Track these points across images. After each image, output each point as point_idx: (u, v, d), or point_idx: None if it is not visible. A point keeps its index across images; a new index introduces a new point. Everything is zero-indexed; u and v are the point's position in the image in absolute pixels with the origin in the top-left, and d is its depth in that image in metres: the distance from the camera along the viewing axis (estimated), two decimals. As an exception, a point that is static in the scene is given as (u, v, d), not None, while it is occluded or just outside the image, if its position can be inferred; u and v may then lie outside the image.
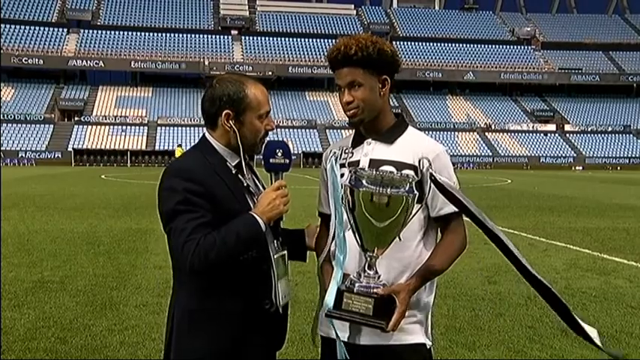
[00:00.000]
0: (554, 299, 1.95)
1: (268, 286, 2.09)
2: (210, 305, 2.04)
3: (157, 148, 59.17)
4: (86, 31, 69.65)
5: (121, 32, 69.92)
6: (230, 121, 2.06)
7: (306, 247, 2.31)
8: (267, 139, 2.14)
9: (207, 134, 2.14)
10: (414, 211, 1.93)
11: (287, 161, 2.10)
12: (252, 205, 2.07)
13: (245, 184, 2.11)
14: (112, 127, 61.28)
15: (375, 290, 1.93)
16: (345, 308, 1.93)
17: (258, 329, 2.08)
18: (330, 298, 1.94)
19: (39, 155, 56.14)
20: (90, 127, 61.10)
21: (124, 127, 61.26)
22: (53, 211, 14.04)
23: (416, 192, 1.89)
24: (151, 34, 70.80)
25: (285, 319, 2.20)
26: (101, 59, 66.47)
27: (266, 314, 2.09)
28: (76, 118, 62.43)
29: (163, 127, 62.11)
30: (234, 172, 2.10)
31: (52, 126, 60.82)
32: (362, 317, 1.92)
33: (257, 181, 2.20)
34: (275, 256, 2.10)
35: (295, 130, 62.18)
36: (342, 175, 2.05)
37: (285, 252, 2.17)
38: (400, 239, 1.97)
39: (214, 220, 1.97)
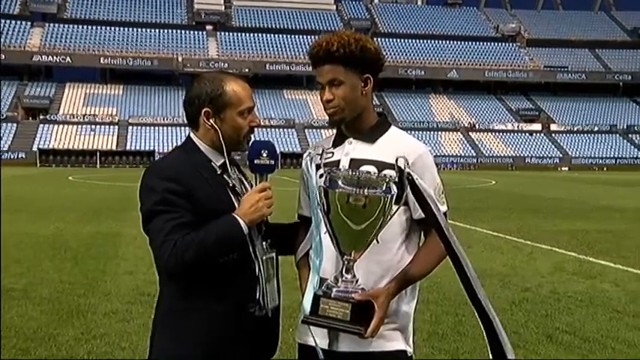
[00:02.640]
0: (493, 334, 1.90)
1: (253, 289, 2.06)
2: (191, 306, 2.00)
3: (128, 148, 59.41)
4: (52, 24, 69.30)
5: (89, 26, 69.30)
6: (210, 120, 2.05)
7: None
8: (253, 138, 2.11)
9: (191, 134, 2.12)
10: (392, 213, 1.89)
11: (272, 162, 2.06)
12: (237, 206, 2.03)
13: (230, 184, 2.08)
14: (80, 126, 61.06)
15: (352, 295, 1.89)
16: (322, 314, 1.89)
17: (244, 332, 2.04)
18: (306, 304, 1.92)
19: (1, 155, 54.56)
20: (56, 126, 60.82)
21: (93, 127, 60.93)
22: (17, 215, 13.52)
23: (394, 192, 1.85)
24: (122, 28, 70.28)
25: (275, 324, 2.15)
26: (68, 55, 65.96)
27: (252, 317, 2.05)
28: (41, 117, 61.98)
29: (135, 127, 61.89)
30: (219, 172, 2.07)
31: (15, 125, 60.16)
32: (339, 323, 1.88)
33: (244, 181, 2.17)
34: (263, 258, 2.07)
35: (273, 129, 61.47)
36: (321, 177, 1.97)
37: (274, 254, 2.12)
38: (378, 242, 1.93)
39: (196, 221, 1.94)
